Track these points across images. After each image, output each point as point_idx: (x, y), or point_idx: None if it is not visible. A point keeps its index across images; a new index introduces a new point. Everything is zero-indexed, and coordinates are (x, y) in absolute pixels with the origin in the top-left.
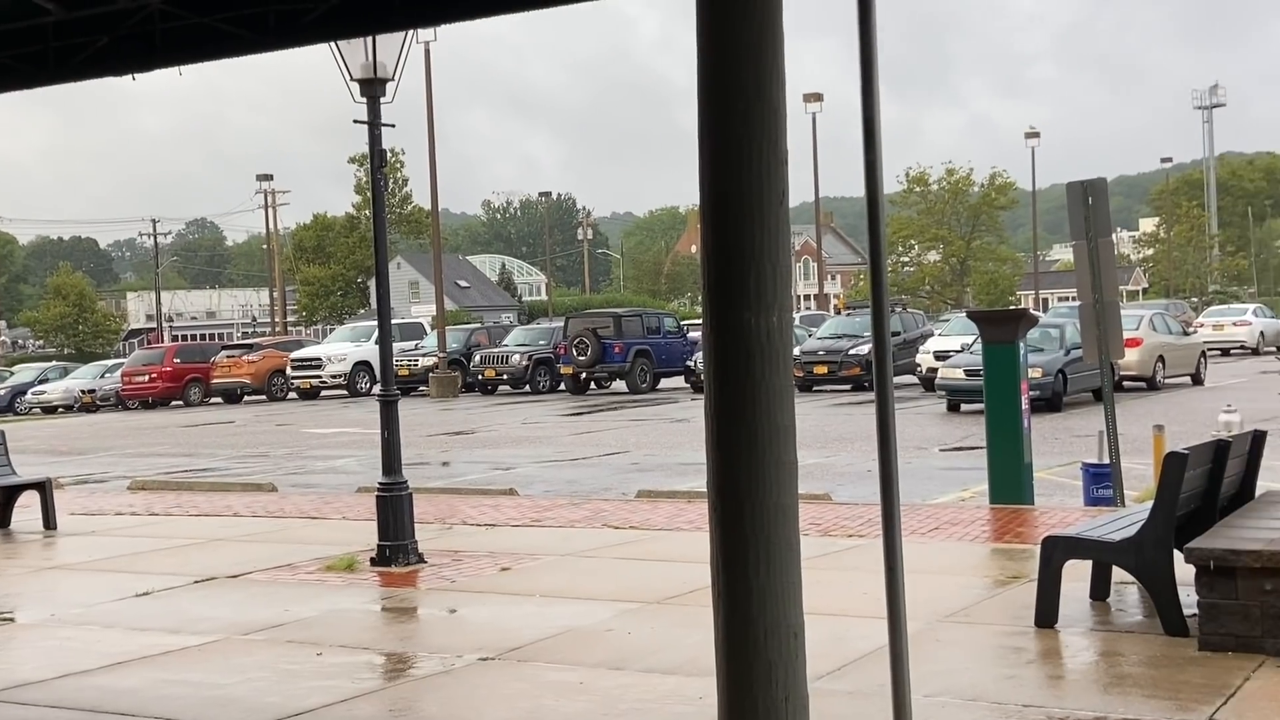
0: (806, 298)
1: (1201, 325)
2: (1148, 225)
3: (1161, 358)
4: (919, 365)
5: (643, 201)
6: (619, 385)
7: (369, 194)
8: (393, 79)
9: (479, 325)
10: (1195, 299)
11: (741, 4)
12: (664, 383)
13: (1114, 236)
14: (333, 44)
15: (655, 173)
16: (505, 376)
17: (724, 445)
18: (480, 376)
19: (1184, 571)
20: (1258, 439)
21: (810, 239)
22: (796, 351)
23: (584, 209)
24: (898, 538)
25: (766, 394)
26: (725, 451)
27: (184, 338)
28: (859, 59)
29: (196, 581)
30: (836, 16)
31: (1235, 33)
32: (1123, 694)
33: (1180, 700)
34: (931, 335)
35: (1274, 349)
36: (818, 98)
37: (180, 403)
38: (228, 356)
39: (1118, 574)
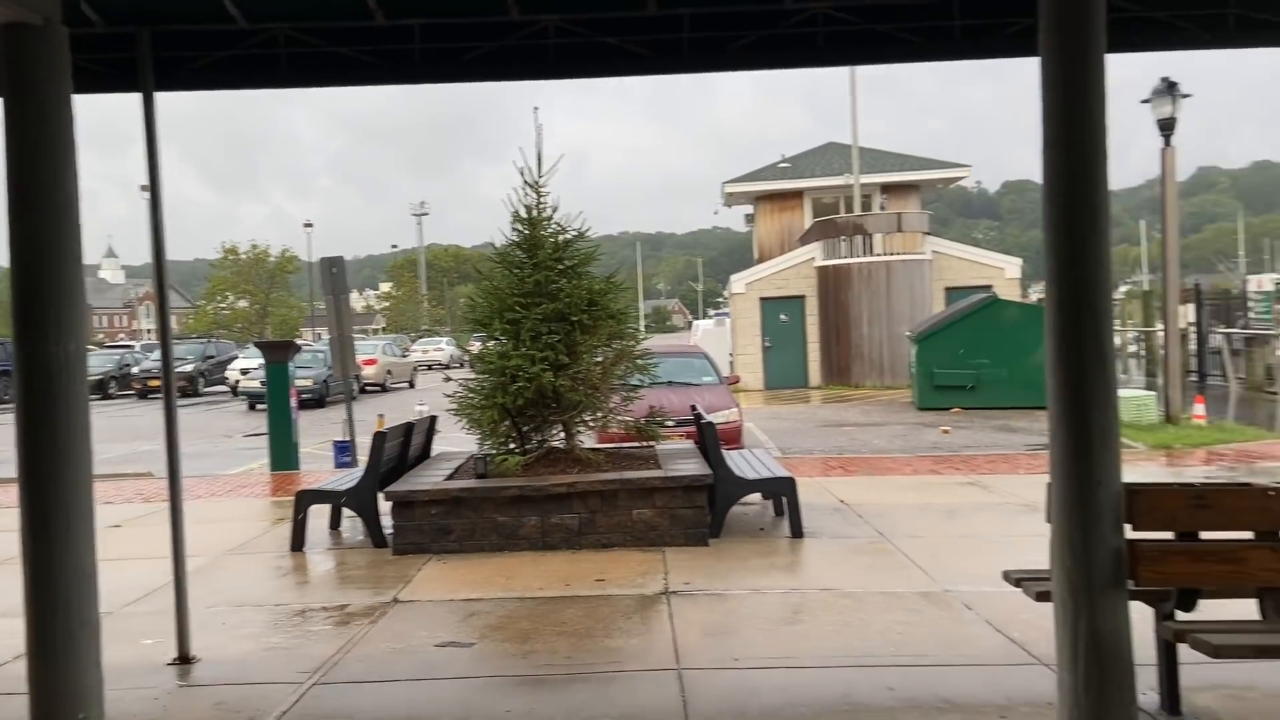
0: (148, 330)
1: (415, 350)
2: (385, 287)
3: (390, 370)
4: (228, 378)
5: None
6: None
7: None
8: None
9: None
10: (413, 334)
11: (34, 118)
12: None
13: (360, 294)
14: None
15: None
16: None
17: (32, 438)
18: None
19: (388, 506)
20: (433, 420)
21: (150, 290)
22: (137, 370)
23: None
24: (180, 500)
25: (68, 400)
26: (33, 442)
27: None
28: (146, 169)
29: None
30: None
31: (439, 168)
32: (344, 588)
33: (379, 588)
34: (238, 357)
35: (456, 364)
36: None
37: None
38: None
39: (348, 511)
